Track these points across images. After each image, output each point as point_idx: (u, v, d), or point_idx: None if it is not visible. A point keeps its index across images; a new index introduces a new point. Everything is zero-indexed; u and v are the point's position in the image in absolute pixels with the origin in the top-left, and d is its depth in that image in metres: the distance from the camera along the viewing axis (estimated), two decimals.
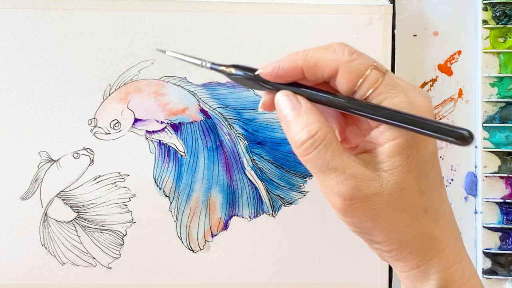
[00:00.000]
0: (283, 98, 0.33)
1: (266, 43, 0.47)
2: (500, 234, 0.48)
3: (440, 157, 0.49)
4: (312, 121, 0.32)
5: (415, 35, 0.49)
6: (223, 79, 0.47)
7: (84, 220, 0.47)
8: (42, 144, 0.46)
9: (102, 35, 0.47)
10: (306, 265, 0.47)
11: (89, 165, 0.47)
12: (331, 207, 0.32)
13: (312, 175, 0.47)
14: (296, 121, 0.32)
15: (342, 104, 0.32)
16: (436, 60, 0.49)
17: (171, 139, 0.47)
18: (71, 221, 0.47)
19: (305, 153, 0.32)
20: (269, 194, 0.47)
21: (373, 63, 0.32)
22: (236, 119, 0.47)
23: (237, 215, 0.47)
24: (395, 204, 0.31)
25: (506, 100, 0.48)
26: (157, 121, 0.47)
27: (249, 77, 0.34)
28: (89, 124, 0.47)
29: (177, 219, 0.47)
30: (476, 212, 0.49)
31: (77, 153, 0.46)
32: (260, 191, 0.47)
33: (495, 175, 0.48)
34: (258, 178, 0.47)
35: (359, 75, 0.32)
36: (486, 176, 0.48)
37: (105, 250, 0.47)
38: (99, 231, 0.47)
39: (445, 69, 0.49)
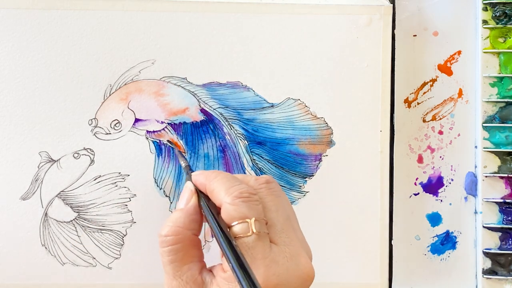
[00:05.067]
0: (186, 187, 0.37)
1: (266, 43, 0.47)
2: (500, 234, 0.48)
3: (440, 157, 0.49)
4: (174, 223, 0.35)
5: (415, 35, 0.49)
6: (223, 79, 0.47)
7: (84, 220, 0.47)
8: (42, 144, 0.46)
9: (102, 35, 0.47)
10: None
11: (90, 165, 0.47)
12: None
13: (312, 175, 0.47)
14: (172, 213, 0.36)
15: (213, 229, 0.34)
16: (436, 60, 0.49)
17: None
18: (71, 221, 0.47)
19: (159, 245, 0.35)
20: None
21: (252, 217, 0.32)
22: (236, 119, 0.47)
23: None
24: None
25: (506, 100, 0.48)
26: (158, 121, 0.47)
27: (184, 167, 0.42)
28: (90, 124, 0.47)
29: None
30: (476, 212, 0.49)
31: (78, 153, 0.46)
32: None
33: (495, 175, 0.48)
34: None
35: (230, 220, 0.33)
36: (486, 176, 0.48)
37: (105, 250, 0.47)
38: (99, 231, 0.47)
39: (445, 69, 0.49)
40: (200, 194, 0.36)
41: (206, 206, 0.35)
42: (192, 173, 0.38)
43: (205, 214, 0.35)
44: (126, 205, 0.47)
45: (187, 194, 0.36)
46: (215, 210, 0.35)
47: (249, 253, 0.32)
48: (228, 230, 0.33)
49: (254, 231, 0.32)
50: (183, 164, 0.43)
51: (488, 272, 0.48)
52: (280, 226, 0.34)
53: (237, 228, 0.32)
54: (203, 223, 0.37)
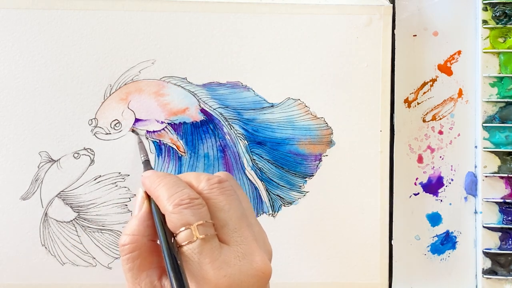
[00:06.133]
0: (138, 193, 0.36)
1: (266, 44, 0.47)
2: (500, 234, 0.48)
3: (440, 157, 0.49)
4: (131, 232, 0.34)
5: (415, 35, 0.49)
6: (223, 79, 0.47)
7: (84, 220, 0.47)
8: (42, 144, 0.46)
9: (102, 35, 0.47)
10: (306, 265, 0.47)
11: (90, 165, 0.47)
12: None
13: (312, 175, 0.48)
14: (129, 221, 0.36)
15: (159, 235, 0.34)
16: (436, 60, 0.49)
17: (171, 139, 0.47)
18: (71, 221, 0.47)
19: (120, 254, 0.35)
20: (269, 194, 0.47)
21: (195, 222, 0.32)
22: (236, 119, 0.47)
23: None
24: None
25: (506, 100, 0.48)
26: (158, 121, 0.47)
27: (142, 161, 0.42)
28: (90, 124, 0.47)
29: None
30: (476, 212, 0.49)
31: (78, 153, 0.46)
32: (260, 191, 0.47)
33: (495, 175, 0.48)
34: (258, 178, 0.47)
35: (174, 228, 0.33)
36: (486, 176, 0.48)
37: (105, 250, 0.47)
38: (99, 231, 0.47)
39: (445, 69, 0.49)
40: (151, 199, 0.36)
41: (155, 213, 0.35)
42: (142, 174, 0.38)
43: (155, 221, 0.35)
44: (126, 205, 0.47)
45: (139, 201, 0.36)
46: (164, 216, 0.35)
47: (196, 258, 0.32)
48: (173, 238, 0.33)
49: (199, 236, 0.32)
50: (142, 158, 0.42)
51: (488, 272, 0.48)
52: (233, 225, 0.33)
53: (181, 235, 0.32)
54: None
